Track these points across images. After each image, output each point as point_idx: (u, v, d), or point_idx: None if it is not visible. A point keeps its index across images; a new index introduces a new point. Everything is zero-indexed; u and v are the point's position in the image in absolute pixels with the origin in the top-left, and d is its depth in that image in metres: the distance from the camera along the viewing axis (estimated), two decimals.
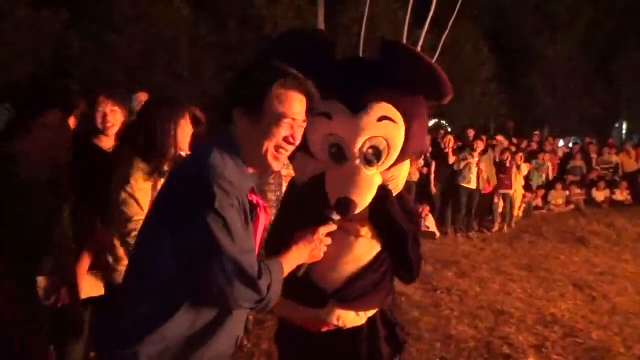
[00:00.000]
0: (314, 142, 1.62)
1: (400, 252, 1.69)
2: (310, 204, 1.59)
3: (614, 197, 10.58)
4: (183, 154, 2.30)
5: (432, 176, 7.51)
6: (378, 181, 1.63)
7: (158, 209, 1.32)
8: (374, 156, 1.60)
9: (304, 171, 1.71)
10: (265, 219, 1.39)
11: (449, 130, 14.70)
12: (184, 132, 2.12)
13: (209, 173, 1.19)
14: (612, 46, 18.52)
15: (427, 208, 7.22)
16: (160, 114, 2.11)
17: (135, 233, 2.01)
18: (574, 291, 4.90)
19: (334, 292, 1.66)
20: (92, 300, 2.28)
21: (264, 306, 1.28)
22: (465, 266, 5.66)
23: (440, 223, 7.52)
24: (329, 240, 1.48)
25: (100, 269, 2.24)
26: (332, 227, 1.49)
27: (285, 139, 1.28)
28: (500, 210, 8.01)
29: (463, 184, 7.34)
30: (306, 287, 1.62)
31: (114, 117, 2.46)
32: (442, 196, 7.58)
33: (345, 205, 1.54)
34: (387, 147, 1.60)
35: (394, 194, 1.71)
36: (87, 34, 12.75)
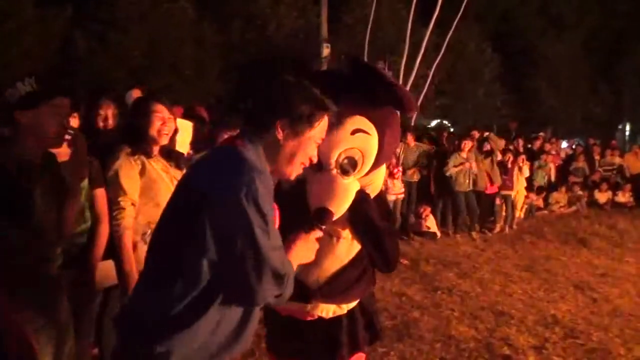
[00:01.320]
0: None
1: (378, 249, 1.85)
2: (295, 206, 1.71)
3: (616, 198, 10.56)
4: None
5: (432, 177, 7.52)
6: (355, 187, 1.76)
7: (184, 202, 1.32)
8: (349, 166, 1.73)
9: None
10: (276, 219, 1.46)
11: (452, 130, 14.70)
12: (157, 118, 2.30)
13: (247, 168, 1.27)
14: (616, 48, 18.50)
15: (428, 208, 7.24)
16: (138, 103, 2.38)
17: (117, 214, 2.15)
18: (574, 292, 4.91)
19: (318, 289, 1.81)
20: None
21: (280, 300, 1.36)
22: (466, 267, 5.67)
23: (441, 223, 7.54)
24: (317, 245, 1.59)
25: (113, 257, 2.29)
26: (320, 233, 1.60)
27: (310, 158, 1.44)
28: (501, 211, 8.02)
29: (457, 188, 7.34)
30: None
31: (114, 120, 2.53)
32: (442, 197, 7.59)
33: (322, 215, 1.67)
34: (361, 157, 1.73)
35: (372, 195, 1.86)
36: (91, 33, 12.79)
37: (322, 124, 1.42)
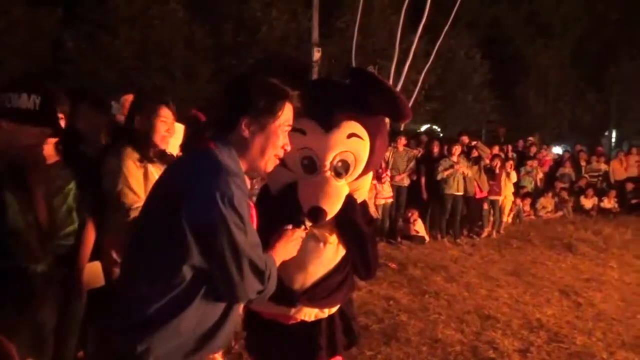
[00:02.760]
0: (288, 154, 1.74)
1: (361, 254, 1.89)
2: (283, 209, 1.76)
3: (602, 204, 10.71)
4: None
5: (423, 181, 7.58)
6: (345, 191, 1.81)
7: (161, 202, 1.34)
8: (343, 169, 1.79)
9: (278, 179, 1.87)
10: (254, 216, 1.48)
11: (441, 135, 14.81)
12: (161, 123, 2.29)
13: (223, 171, 1.30)
14: (603, 56, 18.79)
15: (416, 212, 7.29)
16: (144, 107, 2.33)
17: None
18: (559, 297, 4.97)
19: (303, 293, 1.85)
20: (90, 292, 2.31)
21: (263, 296, 1.39)
22: (453, 271, 5.72)
23: (430, 228, 7.59)
24: (300, 241, 1.61)
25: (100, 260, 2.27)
26: (304, 232, 1.61)
27: (283, 146, 1.45)
28: (489, 216, 8.11)
29: (446, 191, 7.40)
30: (278, 288, 1.74)
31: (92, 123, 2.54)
32: (431, 201, 7.65)
33: (316, 214, 1.71)
34: (354, 161, 1.79)
35: (359, 201, 1.90)
36: (82, 34, 12.72)
37: (286, 112, 1.43)
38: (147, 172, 2.24)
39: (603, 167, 11.70)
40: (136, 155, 2.24)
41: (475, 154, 8.01)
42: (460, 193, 7.47)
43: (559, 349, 3.73)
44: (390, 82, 9.71)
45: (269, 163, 1.44)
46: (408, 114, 1.82)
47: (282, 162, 1.78)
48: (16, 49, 12.17)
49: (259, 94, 1.40)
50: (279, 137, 1.42)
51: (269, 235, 1.56)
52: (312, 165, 1.79)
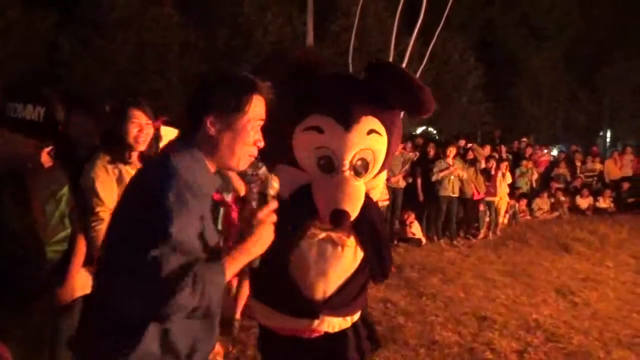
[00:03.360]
0: (302, 154, 1.68)
1: (379, 256, 1.78)
2: (297, 213, 1.65)
3: (597, 204, 10.77)
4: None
5: (419, 183, 7.59)
6: (364, 191, 1.70)
7: (118, 223, 1.32)
8: (362, 167, 1.67)
9: (290, 181, 1.76)
10: (231, 215, 1.43)
11: (437, 138, 14.86)
12: (134, 125, 2.30)
13: (164, 182, 1.22)
14: (596, 57, 18.90)
15: (412, 215, 7.30)
16: (117, 110, 2.39)
17: (96, 225, 2.15)
18: (556, 297, 4.99)
19: (325, 302, 1.71)
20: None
21: (204, 312, 1.26)
22: (450, 273, 5.73)
23: (427, 230, 7.60)
24: (274, 218, 1.40)
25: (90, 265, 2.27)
26: (274, 206, 1.41)
27: (254, 143, 1.37)
28: (486, 217, 8.13)
29: (441, 193, 7.43)
30: (297, 299, 1.69)
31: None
32: (428, 203, 7.66)
33: (340, 217, 1.60)
34: (373, 159, 1.68)
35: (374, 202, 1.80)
36: (77, 37, 12.72)
37: (255, 106, 1.35)
38: (122, 175, 2.25)
39: (598, 167, 11.77)
40: (107, 158, 2.26)
41: (471, 155, 8.05)
42: (456, 195, 7.49)
43: (556, 348, 3.74)
44: None
45: (242, 161, 1.37)
46: (430, 107, 1.66)
47: (292, 162, 1.70)
48: (10, 52, 12.16)
49: (222, 90, 1.34)
50: (249, 133, 1.35)
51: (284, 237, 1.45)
52: (329, 165, 1.67)
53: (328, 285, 1.71)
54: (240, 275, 3.81)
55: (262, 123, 1.38)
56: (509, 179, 8.61)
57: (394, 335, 3.78)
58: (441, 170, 7.33)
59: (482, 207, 8.08)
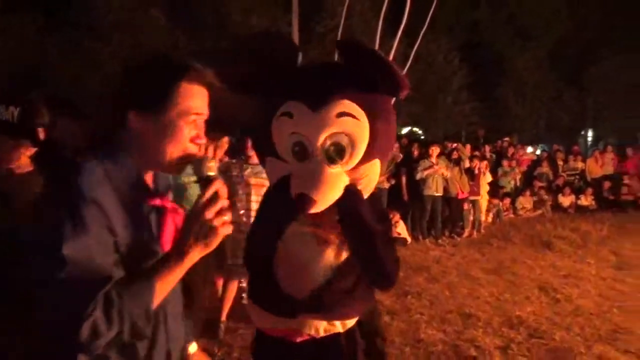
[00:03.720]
0: (279, 143, 1.60)
1: (370, 255, 1.60)
2: (276, 205, 1.58)
3: (579, 202, 10.95)
4: None
5: (404, 182, 7.66)
6: (343, 180, 1.58)
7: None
8: (335, 153, 1.55)
9: (273, 173, 1.67)
10: (175, 220, 1.25)
11: (422, 137, 15.00)
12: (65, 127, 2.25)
13: (70, 194, 1.08)
14: (582, 57, 19.17)
15: (397, 214, 7.36)
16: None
17: None
18: (539, 294, 5.06)
19: (303, 300, 1.60)
20: None
21: (129, 333, 1.08)
22: (435, 271, 5.79)
23: (412, 229, 7.67)
24: (225, 202, 1.17)
25: None
26: (217, 186, 1.16)
27: (192, 141, 1.18)
28: (470, 216, 8.22)
29: (425, 192, 7.50)
30: (276, 296, 1.61)
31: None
32: (413, 203, 7.73)
33: (302, 202, 1.48)
34: (349, 144, 1.56)
35: (365, 194, 1.64)
36: (63, 40, 12.60)
37: (185, 97, 1.16)
38: None
39: (580, 165, 11.98)
40: None
41: (455, 155, 8.14)
42: (440, 194, 7.57)
43: (539, 344, 3.80)
44: None
45: (176, 162, 1.18)
46: (405, 84, 1.55)
47: (278, 155, 1.61)
48: None
49: (142, 83, 1.16)
50: (181, 128, 1.15)
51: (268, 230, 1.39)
52: (303, 151, 1.56)
53: (305, 282, 1.60)
54: (227, 277, 3.80)
55: (201, 116, 1.19)
56: (489, 178, 8.73)
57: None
58: (425, 169, 7.40)
59: (466, 206, 8.17)
